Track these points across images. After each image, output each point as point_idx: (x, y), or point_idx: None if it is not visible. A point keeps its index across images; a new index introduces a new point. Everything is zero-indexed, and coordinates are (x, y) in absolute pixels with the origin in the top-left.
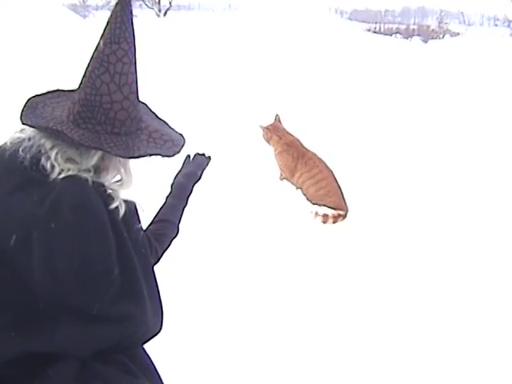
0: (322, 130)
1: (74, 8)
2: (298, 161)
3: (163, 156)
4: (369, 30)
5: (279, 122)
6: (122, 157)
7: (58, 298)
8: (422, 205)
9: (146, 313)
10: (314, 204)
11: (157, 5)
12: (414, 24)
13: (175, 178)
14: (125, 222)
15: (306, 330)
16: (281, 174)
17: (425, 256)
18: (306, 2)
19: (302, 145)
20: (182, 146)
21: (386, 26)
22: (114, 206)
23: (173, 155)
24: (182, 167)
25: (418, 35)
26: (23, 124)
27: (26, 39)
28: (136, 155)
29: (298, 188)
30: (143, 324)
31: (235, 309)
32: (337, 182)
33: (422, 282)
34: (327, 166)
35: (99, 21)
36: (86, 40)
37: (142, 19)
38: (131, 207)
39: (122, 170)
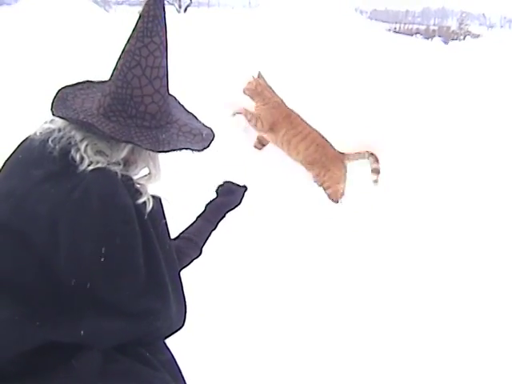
0: (344, 127)
1: (95, 2)
2: (285, 120)
3: (193, 150)
4: (389, 30)
5: (263, 79)
6: (152, 150)
7: (83, 289)
8: (443, 202)
9: (170, 308)
10: (309, 170)
11: (177, 1)
12: (434, 25)
13: (212, 201)
14: (151, 217)
15: (320, 322)
16: (255, 125)
17: (443, 253)
18: (327, 0)
19: (286, 105)
20: (212, 140)
21: (406, 26)
22: (141, 200)
23: (202, 150)
24: (217, 195)
25: (439, 36)
26: (54, 115)
27: (53, 29)
28: (166, 149)
29: (278, 147)
30: (167, 319)
31: (251, 301)
32: (323, 136)
33: (440, 280)
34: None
35: (121, 15)
36: (111, 32)
37: None
38: (158, 203)
39: (151, 164)
